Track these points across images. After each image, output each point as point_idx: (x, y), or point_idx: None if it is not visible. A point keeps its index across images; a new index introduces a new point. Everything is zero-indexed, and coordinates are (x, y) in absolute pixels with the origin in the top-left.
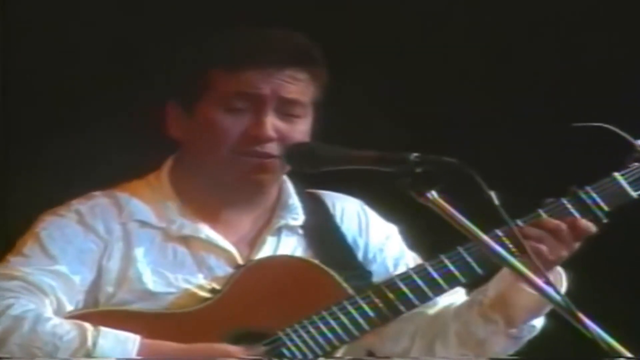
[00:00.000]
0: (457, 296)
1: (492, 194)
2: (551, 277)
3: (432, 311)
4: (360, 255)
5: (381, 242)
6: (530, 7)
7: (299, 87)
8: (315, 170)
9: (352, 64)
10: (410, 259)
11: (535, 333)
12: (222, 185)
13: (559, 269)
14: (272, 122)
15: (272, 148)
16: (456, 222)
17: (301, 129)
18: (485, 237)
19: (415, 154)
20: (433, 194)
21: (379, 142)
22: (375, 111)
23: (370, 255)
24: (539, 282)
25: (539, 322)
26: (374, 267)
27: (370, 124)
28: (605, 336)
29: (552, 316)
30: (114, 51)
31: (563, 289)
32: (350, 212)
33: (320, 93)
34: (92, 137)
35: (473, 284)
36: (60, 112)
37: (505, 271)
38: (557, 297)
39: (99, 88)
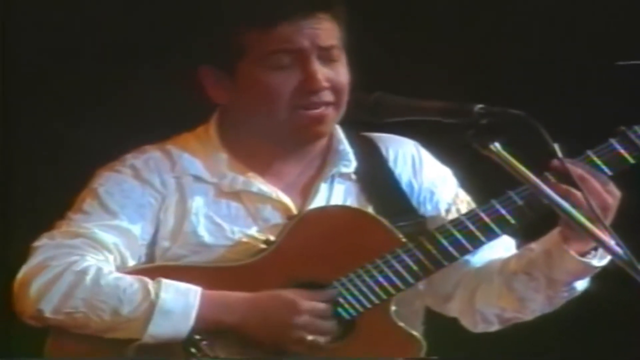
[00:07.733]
0: (507, 252)
1: (556, 146)
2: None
3: (479, 263)
4: (414, 198)
5: (434, 183)
6: None
7: (328, 30)
8: (380, 121)
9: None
10: (463, 203)
11: (575, 294)
12: (275, 138)
13: None
14: (321, 72)
15: (328, 95)
16: (519, 174)
17: (343, 71)
18: (547, 189)
19: (480, 106)
20: (497, 146)
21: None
22: (433, 61)
23: (422, 197)
24: (599, 233)
25: (581, 285)
26: (428, 209)
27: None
28: None
29: None
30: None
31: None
32: (404, 155)
33: (344, 31)
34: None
35: (524, 239)
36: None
37: (553, 232)
38: (618, 249)
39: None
